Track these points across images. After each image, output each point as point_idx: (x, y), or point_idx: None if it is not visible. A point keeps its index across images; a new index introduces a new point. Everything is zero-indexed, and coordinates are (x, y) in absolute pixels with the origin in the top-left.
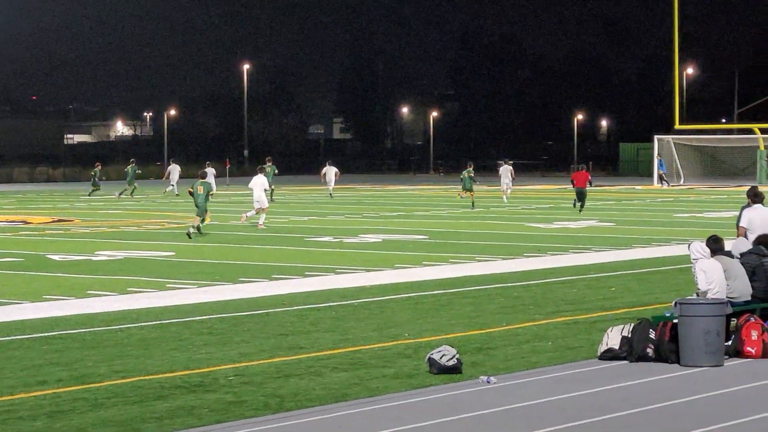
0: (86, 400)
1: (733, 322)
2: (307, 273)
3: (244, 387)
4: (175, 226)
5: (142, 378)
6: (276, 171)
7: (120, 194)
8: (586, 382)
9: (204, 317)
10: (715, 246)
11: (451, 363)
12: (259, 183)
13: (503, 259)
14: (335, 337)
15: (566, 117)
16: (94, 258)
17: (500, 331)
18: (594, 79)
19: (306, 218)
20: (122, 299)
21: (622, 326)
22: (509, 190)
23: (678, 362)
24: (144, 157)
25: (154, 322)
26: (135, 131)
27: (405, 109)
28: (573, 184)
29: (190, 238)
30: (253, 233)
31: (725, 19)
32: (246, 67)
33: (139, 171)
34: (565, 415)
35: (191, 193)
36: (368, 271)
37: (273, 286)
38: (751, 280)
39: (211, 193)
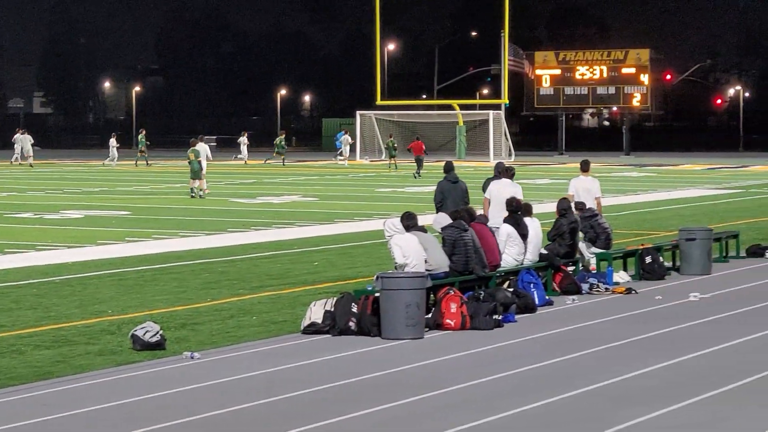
0: None
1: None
2: (6, 250)
3: None
4: None
5: None
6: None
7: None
8: (289, 356)
9: None
10: (409, 222)
11: (154, 339)
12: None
13: (207, 234)
14: (37, 314)
15: (270, 92)
16: None
17: (205, 307)
18: (297, 54)
19: (5, 194)
20: None
21: (325, 300)
22: None
23: (380, 335)
24: None
25: None
26: None
27: (108, 84)
28: (412, 152)
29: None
30: None
31: None
32: None
33: (148, 142)
34: (269, 389)
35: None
36: (70, 247)
37: None
38: (451, 254)
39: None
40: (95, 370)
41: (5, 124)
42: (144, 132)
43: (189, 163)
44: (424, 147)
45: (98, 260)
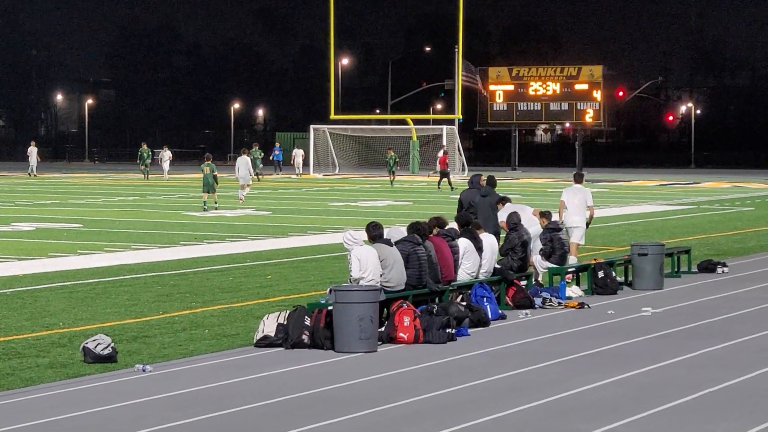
0: None
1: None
2: None
3: None
4: None
5: None
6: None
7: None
8: (242, 369)
9: None
10: (375, 232)
11: (106, 352)
12: None
13: (159, 247)
14: None
15: (223, 106)
16: None
17: (157, 320)
18: (250, 68)
19: None
20: None
21: (278, 313)
22: None
23: (333, 348)
24: None
25: None
26: None
27: (60, 96)
28: (438, 165)
29: None
30: None
31: (379, 11)
32: None
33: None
34: (221, 402)
35: None
36: (21, 259)
37: None
38: (404, 268)
39: None
40: (45, 383)
41: None
42: (145, 145)
43: (204, 176)
44: (447, 160)
45: (49, 273)
